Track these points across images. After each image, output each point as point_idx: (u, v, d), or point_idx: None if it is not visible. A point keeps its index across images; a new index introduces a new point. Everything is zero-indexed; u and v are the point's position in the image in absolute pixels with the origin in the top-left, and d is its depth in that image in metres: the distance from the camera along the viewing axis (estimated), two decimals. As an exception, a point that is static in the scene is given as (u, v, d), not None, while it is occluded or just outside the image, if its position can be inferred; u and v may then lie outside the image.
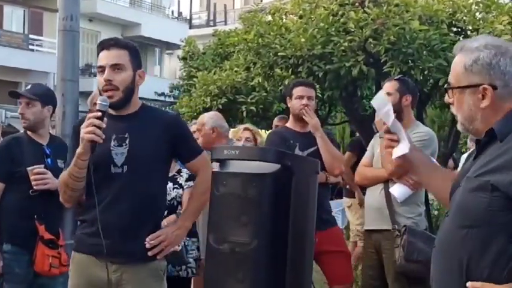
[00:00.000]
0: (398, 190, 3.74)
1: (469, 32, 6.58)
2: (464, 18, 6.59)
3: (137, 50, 2.86)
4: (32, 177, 3.57)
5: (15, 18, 22.81)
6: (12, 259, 3.63)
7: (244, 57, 8.16)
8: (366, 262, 4.01)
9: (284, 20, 7.38)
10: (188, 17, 34.20)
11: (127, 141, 2.70)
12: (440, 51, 6.08)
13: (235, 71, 9.75)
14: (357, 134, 7.52)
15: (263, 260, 2.60)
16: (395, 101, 3.85)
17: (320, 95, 7.42)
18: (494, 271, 1.76)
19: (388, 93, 3.88)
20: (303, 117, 4.14)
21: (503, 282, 1.73)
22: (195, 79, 11.14)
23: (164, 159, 2.83)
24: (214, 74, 10.25)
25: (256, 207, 2.61)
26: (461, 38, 6.54)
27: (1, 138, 6.16)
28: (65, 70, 4.55)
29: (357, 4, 6.39)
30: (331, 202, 4.73)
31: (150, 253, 2.71)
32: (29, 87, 3.86)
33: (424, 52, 6.10)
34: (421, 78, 6.14)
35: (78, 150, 2.61)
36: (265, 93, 9.34)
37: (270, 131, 6.01)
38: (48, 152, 3.72)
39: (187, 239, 4.08)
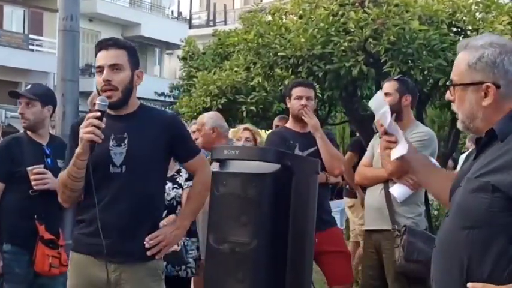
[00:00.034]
0: (398, 190, 3.74)
1: (469, 32, 6.58)
2: (464, 18, 6.59)
3: (135, 49, 2.86)
4: (31, 177, 3.57)
5: (15, 18, 22.81)
6: (12, 259, 3.63)
7: (244, 57, 8.16)
8: (366, 262, 4.01)
9: (284, 20, 7.38)
10: (188, 17, 34.20)
11: (125, 141, 2.70)
12: (440, 51, 6.08)
13: (235, 71, 9.75)
14: (357, 134, 7.52)
15: (263, 260, 2.61)
16: (395, 101, 3.85)
17: (320, 95, 7.42)
18: (495, 272, 1.75)
19: (388, 94, 3.89)
20: (302, 117, 4.14)
21: (503, 283, 1.73)
22: (195, 79, 11.14)
23: (162, 159, 2.83)
24: (214, 74, 10.25)
25: (256, 207, 2.61)
26: (461, 38, 6.54)
27: (1, 138, 6.16)
28: (65, 70, 4.56)
29: (356, 4, 6.39)
30: (330, 202, 4.72)
31: (149, 253, 2.71)
32: (29, 87, 3.86)
33: (424, 52, 6.10)
34: (421, 78, 6.14)
35: (77, 150, 2.61)
36: (265, 93, 9.34)
37: (270, 131, 6.01)
38: (48, 152, 3.72)
39: (187, 239, 4.08)
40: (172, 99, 19.74)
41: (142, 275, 2.72)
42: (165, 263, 3.81)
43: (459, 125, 2.00)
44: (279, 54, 6.69)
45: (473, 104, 1.91)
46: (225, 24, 28.56)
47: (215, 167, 3.01)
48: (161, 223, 2.95)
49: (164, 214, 3.79)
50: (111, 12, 25.32)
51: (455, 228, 1.86)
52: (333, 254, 4.08)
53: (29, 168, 3.57)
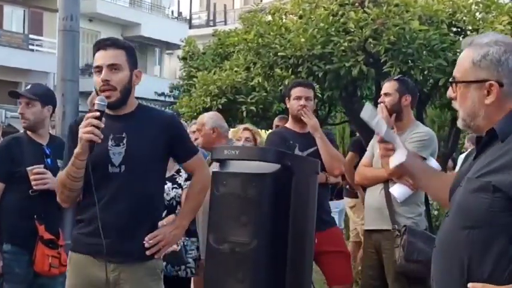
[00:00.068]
0: (398, 190, 3.74)
1: (468, 32, 6.58)
2: (464, 18, 6.59)
3: (133, 49, 2.86)
4: (31, 177, 3.57)
5: (15, 18, 22.81)
6: (12, 259, 3.63)
7: (244, 57, 8.16)
8: (366, 262, 4.00)
9: (284, 20, 7.38)
10: (188, 17, 34.21)
11: (124, 141, 2.70)
12: (440, 51, 6.08)
13: (235, 71, 9.75)
14: (357, 134, 7.52)
15: (263, 260, 2.61)
16: (394, 101, 3.85)
17: (320, 95, 7.41)
18: (496, 272, 1.75)
19: (388, 94, 3.89)
20: (302, 118, 4.14)
21: (504, 283, 1.72)
22: (195, 79, 11.14)
23: (161, 159, 2.84)
24: (214, 74, 10.25)
25: (256, 207, 2.61)
26: (461, 38, 6.55)
27: (1, 138, 6.16)
28: (65, 70, 4.55)
29: (356, 4, 6.39)
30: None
31: (148, 252, 2.72)
32: (28, 87, 3.86)
33: (424, 52, 6.10)
34: (421, 78, 6.14)
35: (76, 150, 2.61)
36: (265, 93, 9.34)
37: (270, 131, 6.01)
38: (48, 152, 3.72)
39: (187, 239, 4.08)
40: (172, 99, 19.74)
41: (141, 275, 2.72)
42: (164, 263, 3.82)
43: (459, 123, 1.98)
44: (279, 54, 6.69)
45: (475, 101, 1.90)
46: (225, 24, 28.57)
47: (215, 167, 3.01)
48: (160, 223, 2.95)
49: (164, 214, 3.79)
50: (111, 12, 25.33)
51: (456, 228, 1.86)
52: (333, 254, 4.08)
53: (29, 168, 3.57)
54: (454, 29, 6.71)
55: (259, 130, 5.90)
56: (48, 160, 3.69)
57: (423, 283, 3.46)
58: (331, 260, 4.06)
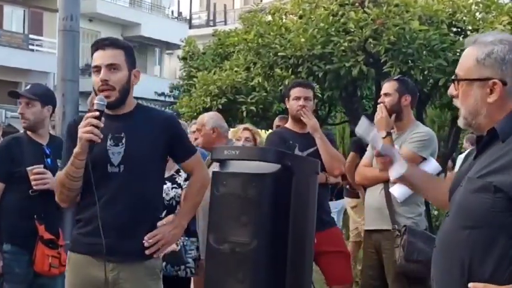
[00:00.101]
0: (398, 190, 3.73)
1: (469, 32, 6.59)
2: (464, 18, 6.60)
3: (132, 49, 2.86)
4: (31, 177, 3.56)
5: (15, 18, 22.81)
6: (12, 259, 3.63)
7: (244, 57, 8.17)
8: (366, 262, 4.00)
9: (284, 20, 7.40)
10: (188, 17, 34.20)
11: (123, 141, 2.70)
12: (440, 51, 6.09)
13: (235, 71, 9.76)
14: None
15: (263, 260, 2.61)
16: (394, 101, 3.85)
17: (320, 95, 7.42)
18: (497, 272, 1.75)
19: (387, 94, 3.89)
20: (302, 118, 4.14)
21: (505, 283, 1.72)
22: (195, 79, 11.16)
23: (160, 159, 2.84)
24: (214, 74, 10.27)
25: (256, 207, 2.61)
26: (461, 38, 6.56)
27: (1, 138, 6.16)
28: (65, 70, 4.55)
29: (357, 4, 6.41)
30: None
31: (147, 252, 2.71)
32: (28, 87, 3.86)
33: (424, 52, 6.11)
34: (421, 78, 6.15)
35: (76, 149, 2.61)
36: (265, 93, 9.34)
37: (270, 131, 6.01)
38: (48, 152, 3.72)
39: (186, 238, 4.08)
40: (172, 99, 19.75)
41: (140, 274, 2.72)
42: (164, 263, 3.82)
43: (460, 122, 1.97)
44: (279, 54, 6.70)
45: (478, 99, 1.89)
46: (225, 24, 28.57)
47: (215, 167, 3.01)
48: (160, 223, 2.95)
49: (163, 214, 3.79)
50: (111, 12, 25.33)
51: (456, 228, 1.86)
52: (332, 254, 4.08)
53: (28, 168, 3.57)
54: (454, 29, 6.72)
55: (259, 130, 5.90)
56: (48, 160, 3.69)
57: (423, 283, 3.46)
58: (331, 260, 4.06)
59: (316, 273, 3.74)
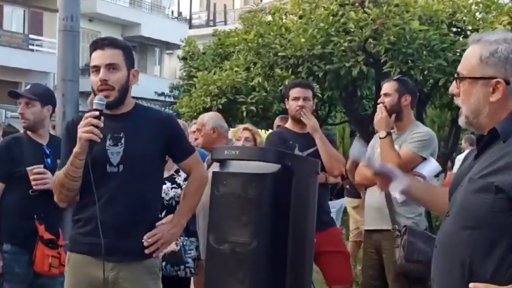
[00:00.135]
0: (398, 190, 3.73)
1: (468, 32, 6.59)
2: (464, 18, 6.60)
3: (131, 49, 2.86)
4: (31, 177, 3.57)
5: (15, 18, 22.81)
6: (12, 259, 3.63)
7: (244, 57, 8.17)
8: (366, 262, 4.00)
9: (284, 20, 7.39)
10: (188, 17, 34.19)
11: (122, 141, 2.71)
12: (440, 51, 6.08)
13: (235, 71, 9.77)
14: (357, 134, 7.52)
15: (263, 260, 2.61)
16: (394, 101, 3.85)
17: (320, 95, 7.43)
18: (497, 272, 1.74)
19: (387, 94, 3.89)
20: (301, 118, 4.15)
21: (506, 283, 1.71)
22: (195, 79, 11.16)
23: (159, 159, 2.84)
24: (214, 74, 10.27)
25: (256, 207, 2.61)
26: (461, 38, 6.56)
27: (1, 138, 6.16)
28: (65, 70, 4.55)
29: (357, 4, 6.40)
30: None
31: (146, 251, 2.72)
32: (28, 87, 3.86)
33: (424, 52, 6.11)
34: (421, 78, 6.15)
35: (75, 149, 2.61)
36: (265, 93, 9.35)
37: (270, 131, 6.01)
38: (48, 152, 3.72)
39: (186, 238, 4.08)
40: (172, 99, 19.76)
41: (140, 273, 2.72)
42: (164, 263, 3.83)
43: (461, 121, 1.96)
44: (279, 54, 6.70)
45: (480, 98, 1.88)
46: (225, 24, 28.57)
47: (215, 167, 3.01)
48: (159, 223, 2.95)
49: (163, 214, 3.80)
50: (111, 12, 25.32)
51: (457, 229, 1.85)
52: (332, 254, 4.08)
53: (28, 168, 3.57)
54: (454, 29, 6.72)
55: (259, 130, 5.90)
56: (48, 160, 3.69)
57: (423, 283, 3.46)
58: (331, 260, 4.06)
59: (316, 273, 3.74)
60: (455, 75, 1.97)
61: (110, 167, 2.69)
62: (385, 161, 3.76)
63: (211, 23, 32.09)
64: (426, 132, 3.90)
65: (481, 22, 6.49)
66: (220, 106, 9.49)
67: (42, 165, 3.61)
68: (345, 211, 7.67)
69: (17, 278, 3.63)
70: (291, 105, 4.23)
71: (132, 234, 2.70)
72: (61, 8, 4.59)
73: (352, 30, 6.28)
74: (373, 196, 3.89)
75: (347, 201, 7.08)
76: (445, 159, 7.26)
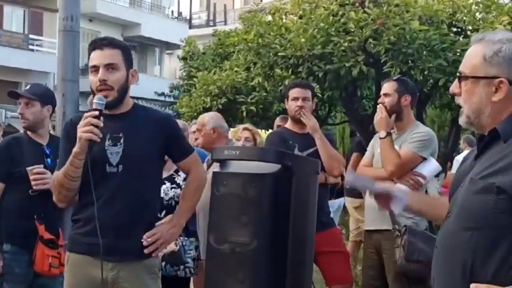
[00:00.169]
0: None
1: (469, 32, 6.59)
2: (464, 18, 6.60)
3: (129, 49, 2.87)
4: (31, 177, 3.56)
5: (15, 18, 22.81)
6: (12, 259, 3.63)
7: (244, 57, 8.17)
8: (366, 262, 4.00)
9: (284, 20, 7.39)
10: (188, 17, 34.19)
11: (121, 141, 2.71)
12: (440, 51, 6.09)
13: (235, 71, 9.77)
14: (357, 134, 7.52)
15: (263, 260, 2.61)
16: (394, 101, 3.85)
17: (320, 95, 7.43)
18: (499, 273, 1.74)
19: (387, 94, 3.89)
20: (301, 119, 4.15)
21: (508, 284, 1.71)
22: (195, 79, 11.16)
23: (158, 159, 2.85)
24: (214, 74, 10.27)
25: (256, 207, 2.61)
26: (461, 38, 6.56)
27: (1, 138, 6.16)
28: (65, 70, 4.54)
29: (357, 4, 6.40)
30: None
31: (146, 251, 2.72)
32: (28, 87, 3.86)
33: (424, 52, 6.11)
34: (421, 78, 6.15)
35: (75, 149, 2.61)
36: (265, 93, 9.35)
37: (270, 131, 6.01)
38: (48, 152, 3.72)
39: (185, 238, 4.08)
40: (172, 99, 19.76)
41: (139, 273, 2.73)
42: (163, 263, 3.83)
43: (462, 120, 1.95)
44: (279, 54, 6.70)
45: (482, 98, 1.87)
46: (225, 24, 28.57)
47: (215, 167, 3.01)
48: (159, 222, 2.95)
49: (163, 214, 3.79)
50: (111, 12, 25.32)
51: (458, 229, 1.85)
52: (332, 254, 4.07)
53: (28, 168, 3.57)
54: (454, 29, 6.72)
55: (259, 130, 5.90)
56: (48, 160, 3.69)
57: (423, 283, 3.46)
58: (330, 260, 4.06)
59: (316, 273, 3.74)
60: (457, 75, 1.96)
61: (110, 167, 2.69)
62: (385, 161, 3.77)
63: (211, 23, 32.09)
64: (426, 132, 3.90)
65: (481, 22, 6.49)
66: (220, 106, 9.50)
67: (42, 165, 3.61)
68: (346, 211, 7.66)
69: (17, 278, 3.63)
70: (290, 105, 4.23)
71: (131, 234, 2.70)
72: (61, 8, 4.58)
73: (352, 30, 6.28)
74: (373, 196, 3.89)
75: (348, 201, 7.07)
76: (445, 159, 7.27)
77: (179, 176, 4.15)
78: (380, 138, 3.81)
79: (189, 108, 10.33)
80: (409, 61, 6.14)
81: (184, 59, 14.84)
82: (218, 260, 2.69)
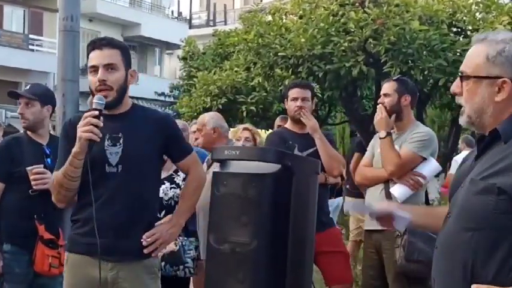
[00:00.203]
0: (398, 190, 3.74)
1: (469, 32, 6.60)
2: (464, 18, 6.61)
3: (128, 49, 2.87)
4: (31, 177, 3.56)
5: (15, 18, 22.80)
6: (12, 259, 3.63)
7: (244, 57, 8.18)
8: (366, 262, 4.00)
9: (284, 20, 7.40)
10: (188, 17, 34.19)
11: (121, 141, 2.71)
12: (440, 51, 6.09)
13: (235, 71, 9.78)
14: (357, 134, 7.52)
15: (263, 260, 2.61)
16: (394, 102, 3.85)
17: (320, 95, 7.43)
18: (499, 274, 1.73)
19: (387, 94, 3.89)
20: (301, 119, 4.15)
21: (508, 285, 1.71)
22: (195, 79, 11.17)
23: (157, 159, 2.85)
24: (214, 74, 10.28)
25: (256, 207, 2.61)
26: (461, 38, 6.56)
27: (1, 138, 6.16)
28: (65, 70, 4.54)
29: (357, 4, 6.41)
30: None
31: (145, 250, 2.72)
32: (28, 87, 3.86)
33: (424, 52, 6.11)
34: (421, 78, 6.15)
35: (75, 149, 2.61)
36: (265, 93, 9.36)
37: (270, 131, 6.01)
38: (48, 151, 3.72)
39: (185, 238, 4.08)
40: (172, 99, 19.76)
41: (139, 273, 2.73)
42: (163, 263, 3.83)
43: (463, 120, 1.95)
44: (279, 54, 6.70)
45: (485, 98, 1.86)
46: (225, 24, 28.57)
47: (216, 167, 3.01)
48: (158, 223, 2.95)
49: (162, 214, 3.79)
50: (111, 12, 25.32)
51: (458, 230, 1.84)
52: (332, 254, 4.07)
53: (28, 168, 3.57)
54: (454, 29, 6.73)
55: (259, 130, 5.90)
56: (48, 160, 3.69)
57: (423, 283, 3.46)
58: (330, 260, 4.05)
59: (316, 273, 3.74)
60: (459, 74, 1.95)
61: (109, 167, 2.69)
62: (385, 161, 3.77)
63: (211, 23, 32.09)
64: (426, 132, 3.90)
65: (481, 22, 6.50)
66: (220, 106, 9.51)
67: (42, 165, 3.61)
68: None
69: (17, 278, 3.63)
70: (290, 105, 4.23)
71: (130, 234, 2.70)
72: (61, 8, 4.58)
73: (352, 30, 6.29)
74: (374, 196, 3.89)
75: (348, 201, 7.07)
76: (445, 159, 7.27)
77: (178, 176, 4.15)
78: (380, 138, 3.81)
79: (189, 108, 10.34)
80: (409, 61, 6.15)
81: (184, 59, 14.85)
82: (218, 260, 2.69)
